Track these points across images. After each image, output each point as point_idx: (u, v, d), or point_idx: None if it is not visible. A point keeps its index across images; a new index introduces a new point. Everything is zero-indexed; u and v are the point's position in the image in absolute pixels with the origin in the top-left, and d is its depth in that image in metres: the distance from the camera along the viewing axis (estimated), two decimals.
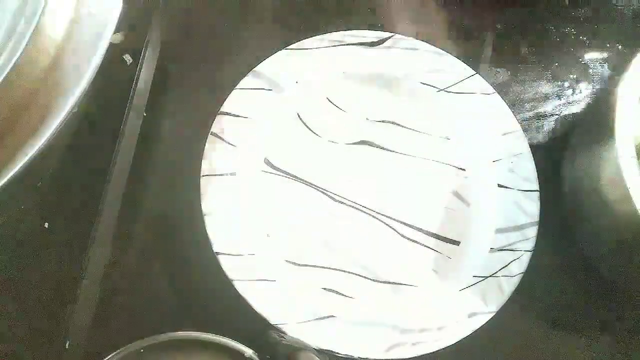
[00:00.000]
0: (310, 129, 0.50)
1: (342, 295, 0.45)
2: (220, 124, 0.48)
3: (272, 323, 0.43)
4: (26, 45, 0.31)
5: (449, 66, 0.51)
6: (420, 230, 0.47)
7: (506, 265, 0.45)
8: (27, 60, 0.31)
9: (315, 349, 0.42)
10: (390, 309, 0.45)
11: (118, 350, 0.38)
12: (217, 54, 0.53)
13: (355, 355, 0.42)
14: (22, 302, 0.37)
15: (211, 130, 0.48)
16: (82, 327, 0.40)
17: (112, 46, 0.36)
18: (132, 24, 0.44)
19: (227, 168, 0.47)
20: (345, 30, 0.51)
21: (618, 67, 0.55)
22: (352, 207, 0.48)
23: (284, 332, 0.42)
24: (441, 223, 0.47)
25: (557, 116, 0.53)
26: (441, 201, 0.48)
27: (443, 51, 0.51)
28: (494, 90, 0.50)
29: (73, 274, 0.38)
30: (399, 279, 0.46)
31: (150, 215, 0.47)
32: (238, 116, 0.49)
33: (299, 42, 0.51)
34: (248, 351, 0.39)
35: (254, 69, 0.50)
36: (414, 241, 0.47)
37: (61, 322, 0.37)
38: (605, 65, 0.55)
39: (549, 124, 0.53)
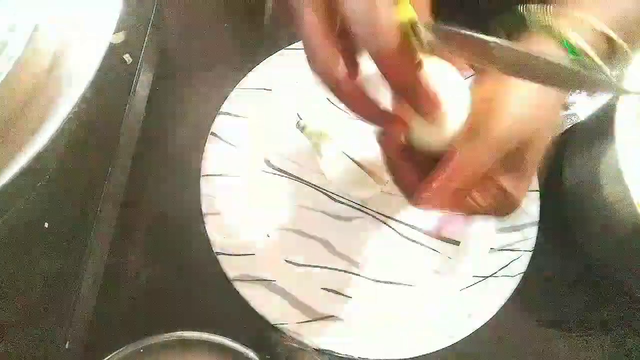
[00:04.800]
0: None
1: (342, 295, 0.45)
2: (220, 124, 0.48)
3: (272, 323, 0.43)
4: (27, 45, 0.31)
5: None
6: (420, 230, 0.47)
7: (506, 265, 0.45)
8: (28, 61, 0.31)
9: (315, 349, 0.42)
10: (390, 309, 0.45)
11: (118, 350, 0.38)
12: (217, 54, 0.53)
13: (355, 355, 0.42)
14: (22, 302, 0.37)
15: (211, 130, 0.48)
16: (82, 327, 0.40)
17: (112, 46, 0.36)
18: (132, 24, 0.44)
19: (227, 168, 0.47)
20: None
21: (618, 67, 0.55)
22: (352, 207, 0.48)
23: (283, 332, 0.42)
24: None
25: None
26: None
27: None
28: None
29: (73, 274, 0.38)
30: (399, 279, 0.46)
31: (150, 215, 0.47)
32: (238, 116, 0.49)
33: (299, 42, 0.51)
34: (248, 351, 0.39)
35: (254, 69, 0.50)
36: (414, 241, 0.47)
37: (61, 322, 0.37)
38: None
39: None
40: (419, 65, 0.28)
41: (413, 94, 0.28)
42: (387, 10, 0.26)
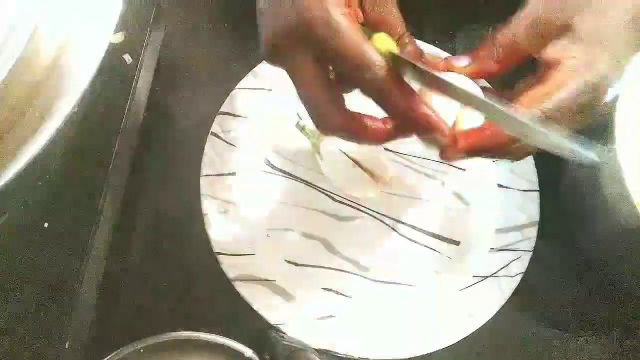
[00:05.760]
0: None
1: (342, 295, 0.45)
2: (220, 124, 0.48)
3: (271, 323, 0.43)
4: (27, 45, 0.31)
5: None
6: (420, 230, 0.47)
7: (506, 265, 0.45)
8: (28, 60, 0.31)
9: (315, 349, 0.42)
10: (390, 309, 0.45)
11: (118, 350, 0.38)
12: (217, 54, 0.53)
13: (355, 355, 0.42)
14: (22, 302, 0.37)
15: (211, 130, 0.48)
16: (82, 327, 0.40)
17: (112, 46, 0.36)
18: (132, 24, 0.44)
19: (227, 168, 0.47)
20: None
21: None
22: (352, 207, 0.48)
23: (283, 332, 0.42)
24: (441, 223, 0.47)
25: None
26: (441, 201, 0.48)
27: (443, 51, 0.51)
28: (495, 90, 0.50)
29: (73, 274, 0.38)
30: (398, 279, 0.46)
31: (150, 215, 0.47)
32: (238, 116, 0.49)
33: None
34: (248, 351, 0.39)
35: (254, 69, 0.50)
36: (414, 241, 0.47)
37: (61, 322, 0.37)
38: None
39: None
40: (410, 92, 0.30)
41: (411, 122, 0.30)
42: (369, 47, 0.29)
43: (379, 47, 0.30)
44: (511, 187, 0.48)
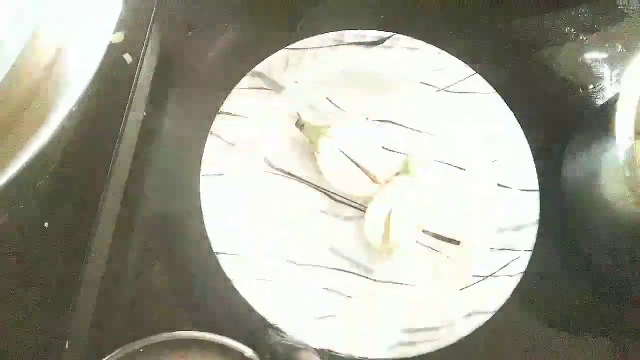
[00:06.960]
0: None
1: (342, 294, 0.45)
2: (220, 124, 0.48)
3: (271, 323, 0.43)
4: (26, 44, 0.31)
5: (448, 66, 0.51)
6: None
7: (506, 265, 0.45)
8: (28, 60, 0.31)
9: (315, 349, 0.42)
10: (390, 308, 0.45)
11: (118, 350, 0.38)
12: (217, 54, 0.53)
13: (356, 355, 0.42)
14: (22, 302, 0.37)
15: (211, 130, 0.48)
16: (82, 327, 0.40)
17: (112, 45, 0.36)
18: (132, 24, 0.44)
19: (227, 168, 0.47)
20: (345, 30, 0.51)
21: (618, 67, 0.55)
22: (352, 206, 0.48)
23: (283, 332, 0.42)
24: (441, 223, 0.47)
25: (557, 115, 0.53)
26: (441, 201, 0.48)
27: (443, 50, 0.51)
28: (494, 90, 0.50)
29: (73, 274, 0.38)
30: (398, 278, 0.46)
31: (150, 215, 0.47)
32: (238, 116, 0.49)
33: (298, 42, 0.51)
34: (248, 351, 0.39)
35: (254, 68, 0.50)
36: None
37: (61, 322, 0.37)
38: (605, 65, 0.55)
39: (549, 123, 0.53)
40: None
41: None
42: None
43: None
44: (511, 186, 0.48)
